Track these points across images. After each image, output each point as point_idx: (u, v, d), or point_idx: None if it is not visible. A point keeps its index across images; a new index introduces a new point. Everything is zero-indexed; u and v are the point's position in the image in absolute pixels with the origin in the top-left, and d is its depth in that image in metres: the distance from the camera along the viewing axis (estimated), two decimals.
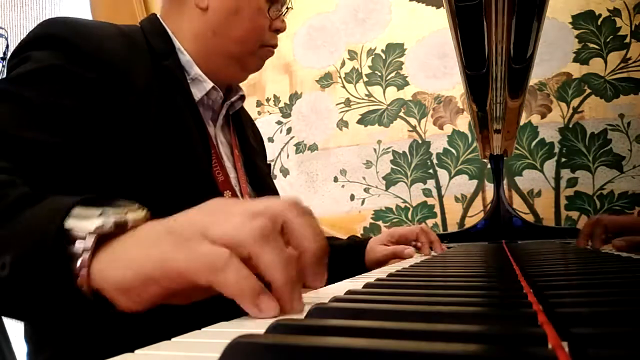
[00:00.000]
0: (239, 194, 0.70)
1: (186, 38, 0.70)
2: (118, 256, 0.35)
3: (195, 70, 0.69)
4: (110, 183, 0.56)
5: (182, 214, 0.36)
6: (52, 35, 0.57)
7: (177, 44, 0.70)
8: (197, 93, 0.69)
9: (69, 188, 0.51)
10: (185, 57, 0.69)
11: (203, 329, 0.28)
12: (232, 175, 0.71)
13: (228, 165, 0.72)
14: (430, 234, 0.93)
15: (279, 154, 1.70)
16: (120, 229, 0.36)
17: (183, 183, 0.61)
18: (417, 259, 0.84)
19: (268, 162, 1.69)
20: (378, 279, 0.43)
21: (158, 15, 0.72)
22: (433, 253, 0.93)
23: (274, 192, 0.87)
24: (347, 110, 1.63)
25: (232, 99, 0.76)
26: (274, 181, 1.66)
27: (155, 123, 0.60)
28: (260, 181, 0.78)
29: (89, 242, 0.34)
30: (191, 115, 0.66)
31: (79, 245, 0.34)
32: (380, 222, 1.56)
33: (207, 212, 0.35)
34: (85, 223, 0.35)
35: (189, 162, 0.62)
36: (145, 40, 0.67)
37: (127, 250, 0.35)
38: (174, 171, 0.60)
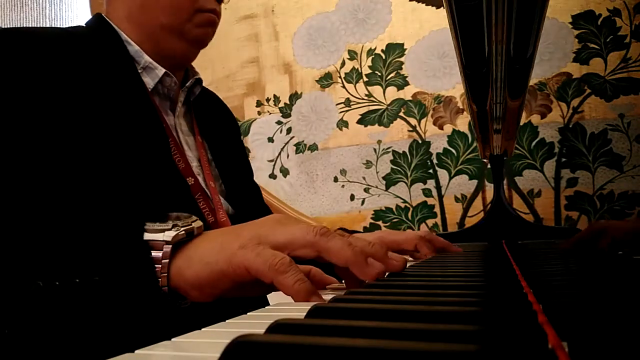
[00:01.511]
0: (202, 181, 0.70)
1: (127, 27, 0.69)
2: (192, 259, 0.42)
3: (145, 59, 0.68)
4: (71, 183, 0.56)
5: (245, 226, 0.44)
6: None
7: (123, 36, 0.69)
8: (150, 82, 0.68)
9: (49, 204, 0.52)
10: (133, 48, 0.69)
11: (203, 329, 0.28)
12: (194, 163, 0.71)
13: (189, 154, 0.71)
14: (434, 241, 0.82)
15: (279, 154, 1.70)
16: (189, 236, 0.43)
17: (142, 173, 0.60)
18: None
19: (269, 160, 1.70)
20: (378, 279, 0.43)
21: (103, 14, 0.72)
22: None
23: (245, 176, 0.86)
24: (347, 110, 1.63)
25: (188, 84, 0.75)
26: (275, 181, 1.68)
27: (107, 116, 0.59)
28: (229, 167, 0.78)
29: (167, 250, 0.41)
30: (143, 105, 0.65)
31: (157, 254, 0.41)
32: (380, 222, 1.56)
33: (268, 224, 0.43)
34: (161, 235, 0.42)
35: (145, 152, 0.62)
36: (89, 38, 0.66)
37: (201, 253, 0.42)
38: (132, 163, 0.59)
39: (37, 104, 0.55)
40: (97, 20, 0.71)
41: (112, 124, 0.59)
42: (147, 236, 0.42)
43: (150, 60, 0.68)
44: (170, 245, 0.42)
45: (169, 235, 0.42)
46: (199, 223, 0.45)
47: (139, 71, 0.68)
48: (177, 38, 0.70)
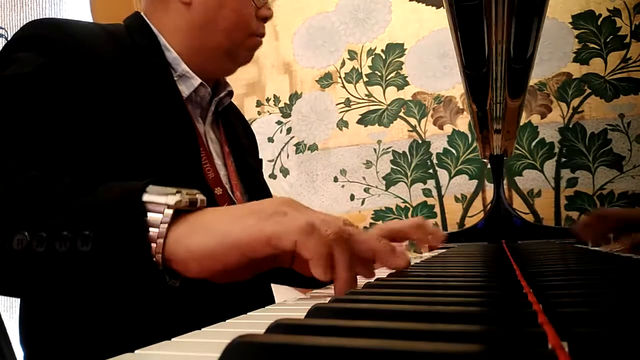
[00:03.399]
0: (229, 191, 0.70)
1: (172, 35, 0.69)
2: (197, 227, 0.39)
3: (182, 67, 0.69)
4: (100, 177, 0.56)
5: (258, 202, 0.41)
6: (39, 36, 0.57)
7: (162, 40, 0.69)
8: (185, 90, 0.69)
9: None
10: (171, 54, 0.69)
11: (203, 329, 0.28)
12: (222, 172, 0.71)
13: (218, 162, 0.72)
14: (426, 226, 0.87)
15: (279, 154, 1.70)
16: (192, 206, 0.41)
17: (171, 180, 0.61)
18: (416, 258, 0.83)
19: (269, 160, 1.70)
20: (378, 279, 0.43)
21: (142, 13, 0.72)
22: (430, 253, 0.88)
23: (265, 189, 0.87)
24: (347, 110, 1.63)
25: (221, 95, 0.75)
26: (274, 181, 1.68)
27: (141, 121, 0.60)
28: (251, 178, 0.78)
29: (167, 214, 0.38)
30: (178, 112, 0.65)
31: (155, 216, 0.38)
32: (380, 222, 1.56)
33: (284, 202, 0.40)
34: (163, 198, 0.39)
35: (176, 159, 0.62)
36: (129, 38, 0.66)
37: (209, 222, 0.39)
38: (162, 168, 0.60)
39: (79, 95, 0.56)
40: (137, 21, 0.70)
41: (147, 128, 0.60)
42: (147, 197, 0.39)
43: (188, 69, 0.69)
44: (172, 211, 0.39)
45: (171, 199, 0.39)
46: (203, 197, 0.43)
47: (175, 78, 0.68)
48: (228, 58, 0.72)
